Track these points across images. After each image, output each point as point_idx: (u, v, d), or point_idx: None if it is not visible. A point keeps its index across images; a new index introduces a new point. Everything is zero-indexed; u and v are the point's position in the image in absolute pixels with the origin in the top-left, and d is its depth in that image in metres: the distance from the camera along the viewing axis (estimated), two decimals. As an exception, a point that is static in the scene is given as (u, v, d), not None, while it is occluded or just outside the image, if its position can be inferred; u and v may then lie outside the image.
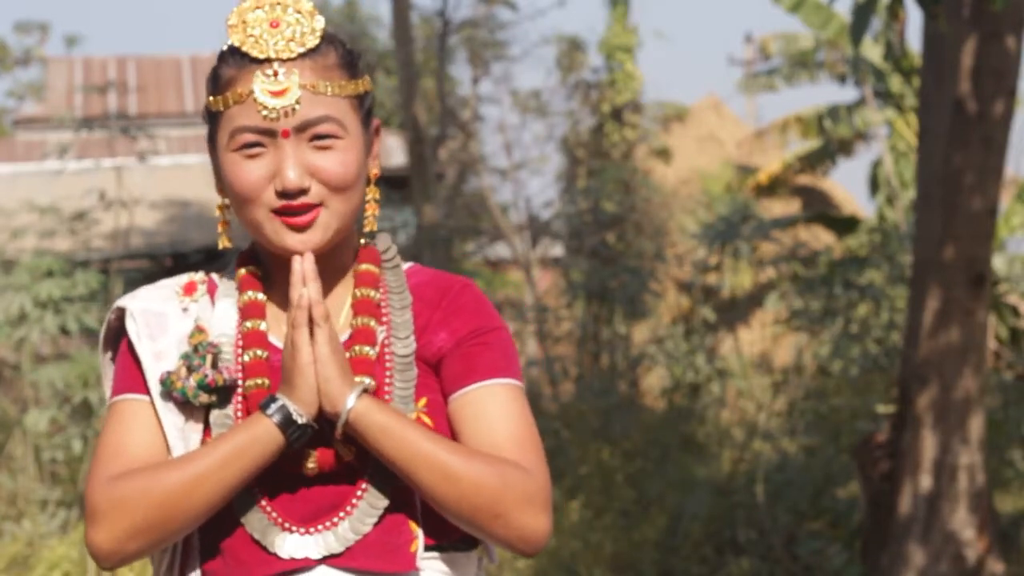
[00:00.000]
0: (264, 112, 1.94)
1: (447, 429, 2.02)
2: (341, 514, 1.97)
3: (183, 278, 2.10)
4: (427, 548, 2.00)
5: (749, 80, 19.84)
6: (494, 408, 1.99)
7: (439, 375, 2.05)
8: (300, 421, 1.92)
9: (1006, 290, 12.56)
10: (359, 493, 1.97)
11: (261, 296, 2.05)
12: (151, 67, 19.87)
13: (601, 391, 11.17)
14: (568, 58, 20.08)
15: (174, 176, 15.32)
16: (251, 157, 1.96)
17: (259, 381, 1.99)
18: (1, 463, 8.28)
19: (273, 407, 1.92)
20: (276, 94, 1.95)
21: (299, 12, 1.98)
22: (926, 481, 6.68)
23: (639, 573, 7.90)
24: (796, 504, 8.48)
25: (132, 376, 2.02)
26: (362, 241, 2.11)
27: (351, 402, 1.91)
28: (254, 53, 1.96)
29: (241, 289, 2.06)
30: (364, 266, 2.07)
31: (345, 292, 2.07)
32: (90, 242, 10.50)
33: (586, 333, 12.47)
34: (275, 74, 1.95)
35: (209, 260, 13.14)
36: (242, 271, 2.07)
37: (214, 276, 2.11)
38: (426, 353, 2.04)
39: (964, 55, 6.46)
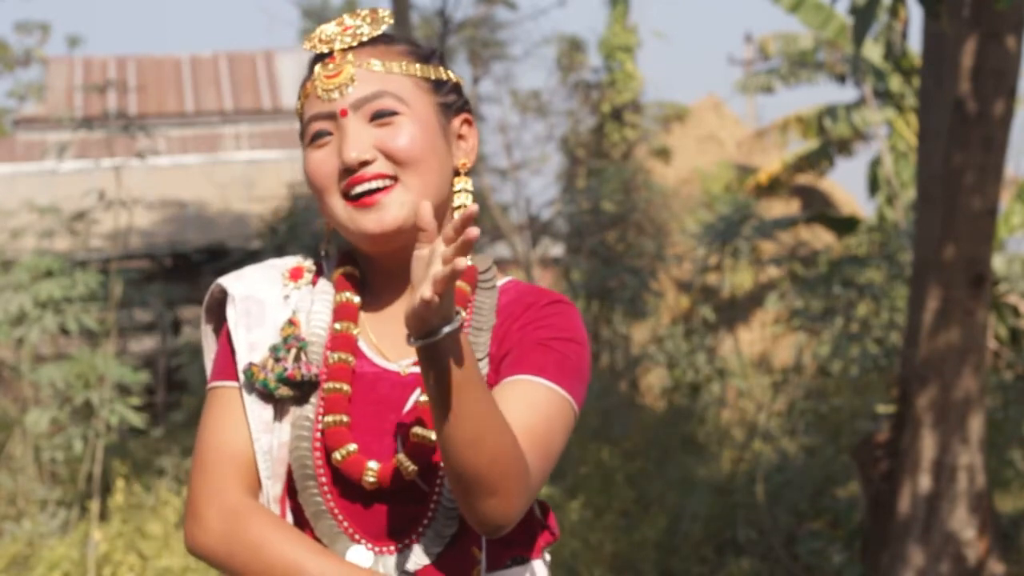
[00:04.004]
0: (321, 95, 1.99)
1: None
2: (407, 540, 1.95)
3: (291, 261, 2.08)
4: (488, 569, 1.98)
5: (749, 80, 19.83)
6: (524, 399, 1.89)
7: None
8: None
9: (1006, 290, 12.54)
10: (425, 521, 1.95)
11: (356, 299, 2.03)
12: (151, 67, 19.86)
13: (601, 391, 11.17)
14: (568, 58, 20.04)
15: (173, 176, 15.32)
16: (320, 147, 1.99)
17: (339, 386, 1.96)
18: (1, 463, 8.28)
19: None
20: (331, 77, 1.99)
21: (367, 17, 2.04)
22: (926, 481, 6.68)
23: (639, 573, 7.90)
24: (796, 504, 8.48)
25: (226, 362, 2.02)
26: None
27: (441, 334, 1.75)
28: (316, 50, 2.03)
29: (337, 289, 2.04)
30: (458, 283, 1.95)
31: None
32: (89, 242, 10.50)
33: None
34: (331, 61, 2.01)
35: (210, 260, 13.15)
36: (339, 271, 2.06)
37: (321, 265, 2.08)
38: (496, 360, 1.99)
39: (964, 55, 6.45)
